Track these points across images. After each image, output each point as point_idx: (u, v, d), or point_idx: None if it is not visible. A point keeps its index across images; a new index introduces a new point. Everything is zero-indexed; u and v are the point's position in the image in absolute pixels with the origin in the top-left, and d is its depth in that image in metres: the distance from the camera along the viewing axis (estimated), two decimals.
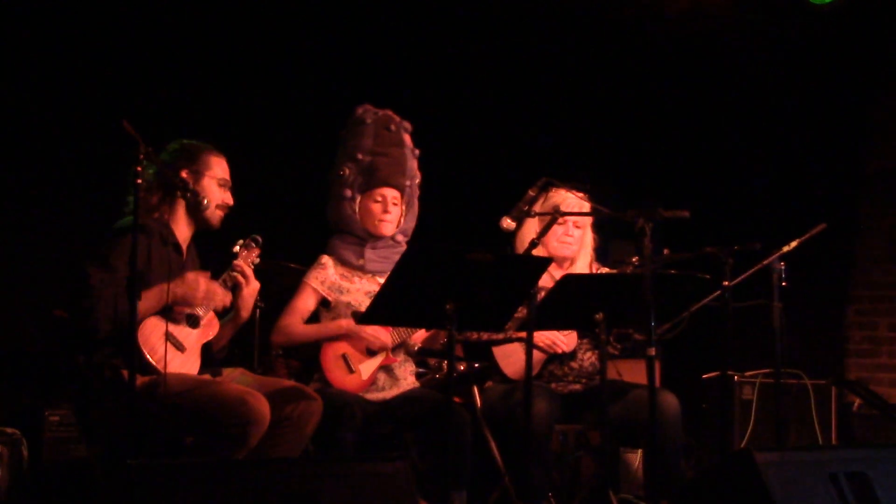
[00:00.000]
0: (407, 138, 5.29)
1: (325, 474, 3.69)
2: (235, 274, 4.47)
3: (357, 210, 5.16)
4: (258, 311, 5.36)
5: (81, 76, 6.17)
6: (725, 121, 7.85)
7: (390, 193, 5.15)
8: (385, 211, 5.13)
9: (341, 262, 5.13)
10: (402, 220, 5.23)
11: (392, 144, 5.21)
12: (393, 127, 5.24)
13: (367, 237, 5.15)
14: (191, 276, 4.32)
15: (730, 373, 6.35)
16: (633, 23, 7.46)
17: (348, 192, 5.15)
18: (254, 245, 4.54)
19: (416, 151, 5.31)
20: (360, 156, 5.16)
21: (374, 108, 5.27)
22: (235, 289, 4.51)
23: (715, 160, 7.89)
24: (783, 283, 5.28)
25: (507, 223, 4.70)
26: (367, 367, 4.96)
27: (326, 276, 5.09)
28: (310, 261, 5.16)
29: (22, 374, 5.66)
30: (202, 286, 4.31)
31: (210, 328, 4.47)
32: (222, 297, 4.39)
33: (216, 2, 6.61)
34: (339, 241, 5.18)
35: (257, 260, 4.55)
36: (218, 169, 4.56)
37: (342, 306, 5.04)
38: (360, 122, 5.22)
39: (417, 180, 5.33)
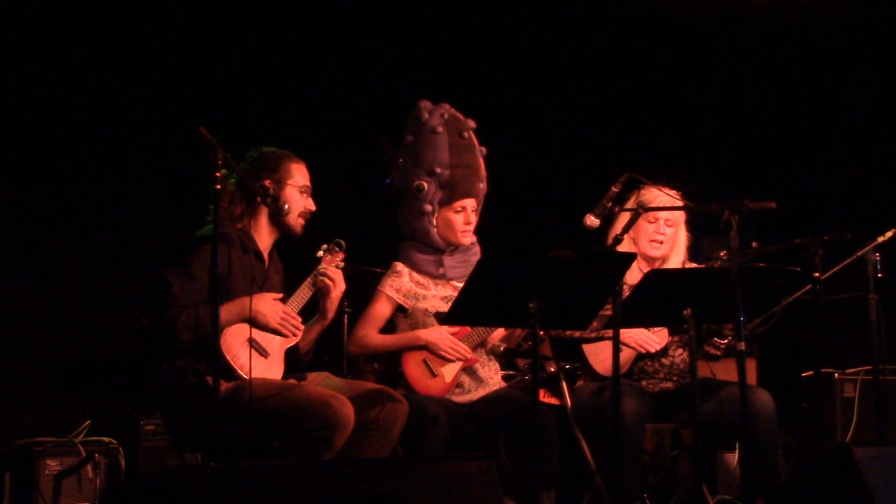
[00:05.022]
0: (474, 138, 5.22)
1: (409, 474, 3.70)
2: (322, 278, 4.46)
3: (436, 223, 5.11)
4: (346, 316, 5.33)
5: (166, 85, 6.24)
6: (813, 107, 7.66)
7: (470, 204, 5.10)
8: (467, 222, 5.08)
9: (418, 270, 5.08)
10: None
11: (467, 152, 5.13)
12: (466, 134, 5.14)
13: (446, 247, 5.11)
14: (271, 298, 4.32)
15: (830, 370, 6.20)
16: (717, 14, 7.35)
17: (428, 207, 5.07)
18: (338, 249, 4.53)
19: (484, 150, 5.24)
20: (438, 170, 5.06)
21: (433, 105, 5.14)
22: (322, 292, 4.50)
23: (803, 148, 7.71)
24: (879, 275, 5.15)
25: (591, 220, 4.68)
26: (450, 370, 4.93)
27: (402, 284, 5.04)
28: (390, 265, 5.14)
29: (117, 384, 5.74)
30: (279, 313, 4.30)
31: None
32: (294, 328, 4.35)
33: (292, 11, 6.64)
34: (414, 249, 5.11)
35: (342, 264, 4.54)
36: (299, 176, 4.56)
37: (419, 313, 5.00)
38: (430, 131, 5.10)
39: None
